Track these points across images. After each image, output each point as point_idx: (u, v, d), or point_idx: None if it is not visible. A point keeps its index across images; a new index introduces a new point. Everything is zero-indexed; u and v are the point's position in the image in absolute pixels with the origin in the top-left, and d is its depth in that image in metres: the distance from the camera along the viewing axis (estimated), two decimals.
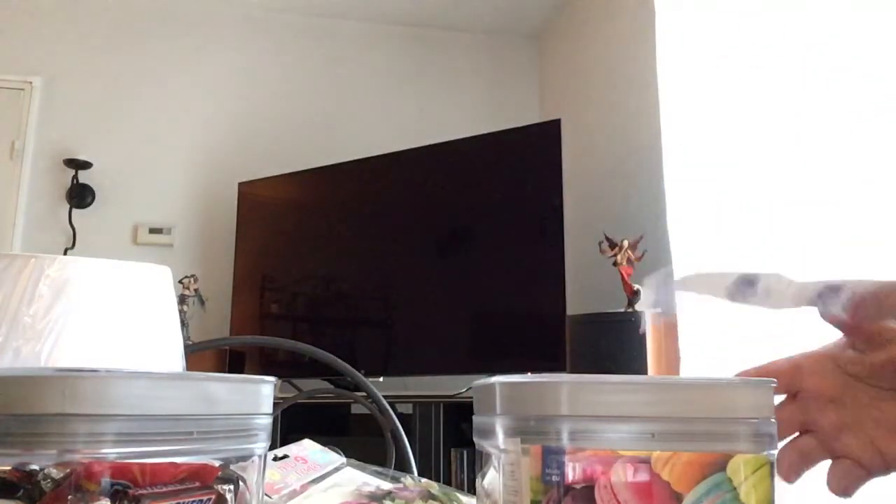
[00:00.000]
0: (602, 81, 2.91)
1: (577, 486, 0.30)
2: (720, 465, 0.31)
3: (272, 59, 3.41)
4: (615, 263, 2.18)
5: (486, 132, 2.62)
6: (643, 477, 0.30)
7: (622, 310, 2.13)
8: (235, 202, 3.06)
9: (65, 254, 3.01)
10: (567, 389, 0.33)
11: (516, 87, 3.55)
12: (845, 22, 1.94)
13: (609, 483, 0.30)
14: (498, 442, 0.34)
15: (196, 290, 2.96)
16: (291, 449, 0.70)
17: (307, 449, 0.71)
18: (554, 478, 0.30)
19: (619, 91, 2.74)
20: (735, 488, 0.30)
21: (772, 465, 0.32)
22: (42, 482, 0.32)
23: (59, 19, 3.25)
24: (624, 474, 0.30)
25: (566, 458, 0.30)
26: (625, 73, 2.70)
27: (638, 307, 2.11)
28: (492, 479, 0.36)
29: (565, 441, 0.31)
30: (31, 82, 3.17)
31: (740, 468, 0.30)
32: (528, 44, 3.61)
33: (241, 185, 3.05)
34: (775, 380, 0.36)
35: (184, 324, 2.77)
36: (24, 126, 3.13)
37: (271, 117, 3.35)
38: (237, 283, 2.98)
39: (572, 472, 0.30)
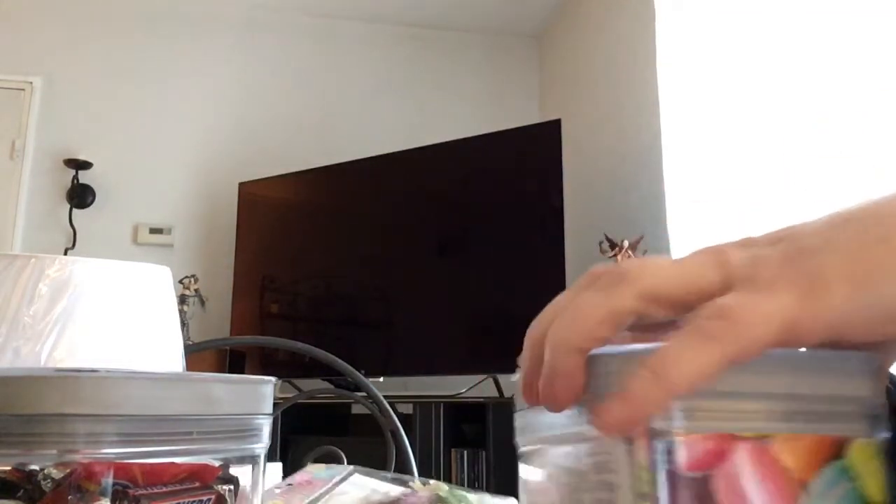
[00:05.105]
0: (602, 81, 2.91)
1: (691, 475, 0.26)
2: (840, 450, 0.27)
3: (272, 60, 3.41)
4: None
5: (486, 132, 2.62)
6: (765, 462, 0.26)
7: None
8: (235, 202, 3.06)
9: (65, 254, 3.01)
10: None
11: (516, 87, 3.55)
12: (845, 22, 1.94)
13: (729, 471, 0.26)
14: (582, 429, 0.28)
15: (196, 290, 2.96)
16: (294, 478, 0.68)
17: (310, 472, 0.69)
18: (662, 466, 0.26)
19: (619, 91, 2.74)
20: (856, 477, 0.27)
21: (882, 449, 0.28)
22: (42, 482, 0.32)
23: (58, 19, 3.25)
24: (743, 460, 0.26)
25: (677, 443, 0.26)
26: (625, 73, 2.70)
27: None
28: (550, 476, 0.31)
29: (676, 423, 0.26)
30: (31, 82, 3.17)
31: (860, 454, 0.27)
32: (528, 44, 3.61)
33: (241, 185, 3.05)
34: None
35: (184, 324, 2.77)
36: (24, 126, 3.13)
37: (271, 117, 3.35)
38: (237, 283, 2.98)
39: (684, 458, 0.26)
